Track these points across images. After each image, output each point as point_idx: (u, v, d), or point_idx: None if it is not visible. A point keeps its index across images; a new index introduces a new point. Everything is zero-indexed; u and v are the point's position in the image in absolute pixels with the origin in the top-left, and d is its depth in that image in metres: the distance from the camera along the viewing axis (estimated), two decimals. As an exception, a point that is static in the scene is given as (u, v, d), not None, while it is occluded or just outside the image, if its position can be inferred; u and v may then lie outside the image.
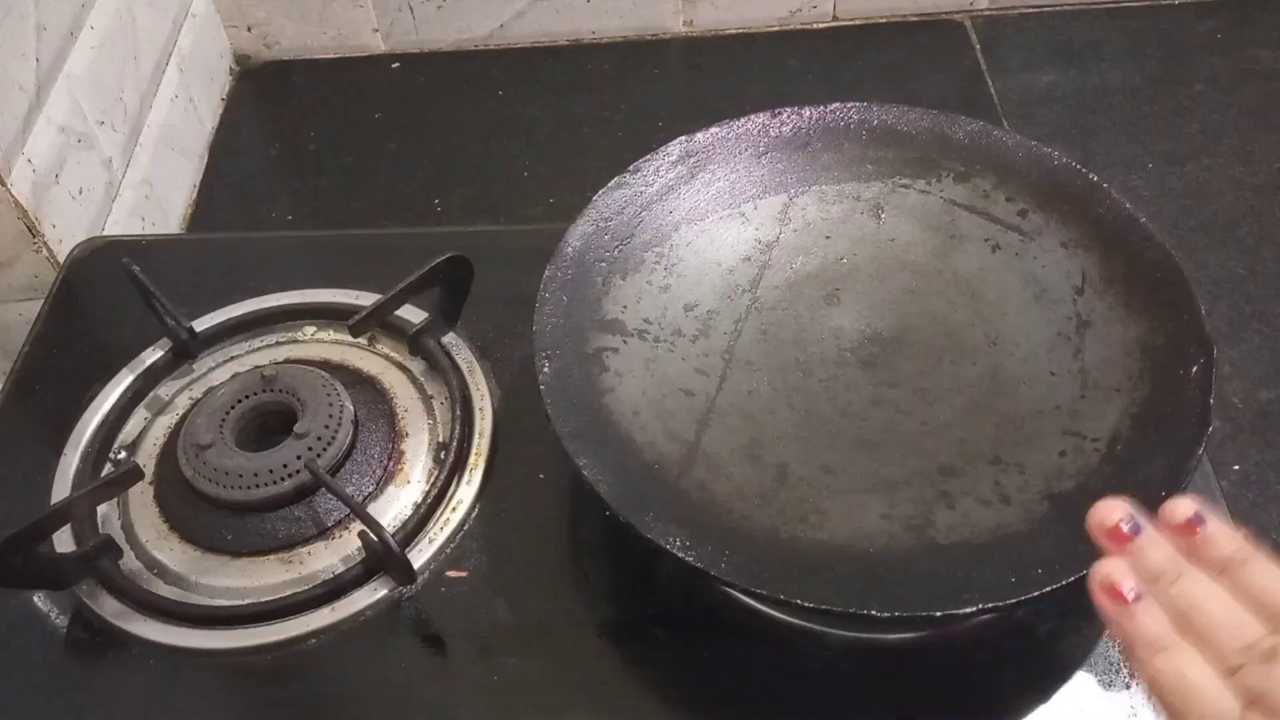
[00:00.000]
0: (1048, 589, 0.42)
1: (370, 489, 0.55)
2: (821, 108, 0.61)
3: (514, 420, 0.58)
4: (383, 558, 0.51)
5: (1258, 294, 0.82)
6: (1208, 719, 0.30)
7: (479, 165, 0.95)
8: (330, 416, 0.55)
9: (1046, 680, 0.48)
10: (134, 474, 0.53)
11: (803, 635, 0.49)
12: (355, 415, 0.56)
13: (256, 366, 0.59)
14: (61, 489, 0.56)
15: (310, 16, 1.03)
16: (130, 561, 0.53)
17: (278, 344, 0.63)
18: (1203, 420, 0.47)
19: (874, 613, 0.42)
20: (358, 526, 0.52)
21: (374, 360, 0.61)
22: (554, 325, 0.53)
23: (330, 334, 0.63)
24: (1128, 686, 0.47)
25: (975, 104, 0.96)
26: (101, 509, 0.55)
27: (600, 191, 0.58)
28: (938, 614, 0.44)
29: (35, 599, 0.52)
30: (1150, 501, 0.44)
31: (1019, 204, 0.58)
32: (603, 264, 0.57)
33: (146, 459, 0.57)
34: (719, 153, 0.61)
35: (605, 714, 0.48)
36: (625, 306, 0.56)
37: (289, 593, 0.51)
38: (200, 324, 0.62)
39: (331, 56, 1.06)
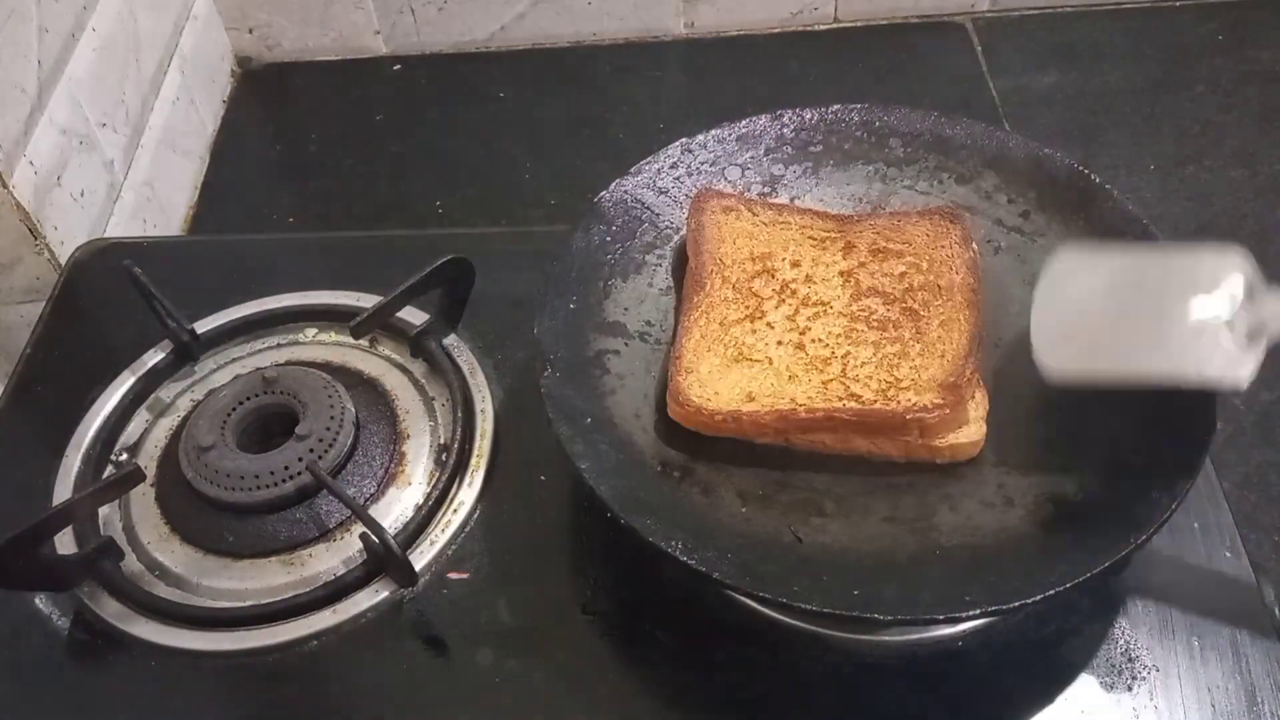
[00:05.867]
0: (1051, 591, 0.42)
1: (371, 491, 0.55)
2: (823, 109, 0.61)
3: (515, 422, 0.58)
4: (384, 559, 0.51)
5: (1259, 296, 0.82)
6: None
7: (480, 167, 0.95)
8: (331, 418, 0.55)
9: (1049, 682, 0.48)
10: (135, 476, 0.53)
11: (805, 638, 0.49)
12: (356, 417, 0.56)
13: (258, 368, 0.59)
14: (63, 491, 0.56)
15: (312, 19, 1.03)
16: (132, 563, 0.53)
17: (279, 346, 0.63)
18: (1206, 422, 0.47)
19: (876, 616, 0.42)
20: (359, 528, 0.52)
21: (375, 362, 0.61)
22: (555, 327, 0.53)
23: (331, 336, 0.63)
24: (1130, 689, 0.47)
25: (976, 105, 0.96)
26: (103, 511, 0.55)
27: (601, 193, 0.58)
28: (940, 617, 0.44)
29: (37, 601, 0.52)
30: (1154, 504, 0.45)
31: (1021, 205, 0.58)
32: (604, 266, 0.57)
33: (148, 461, 0.57)
34: (721, 154, 0.61)
35: (607, 716, 0.48)
36: (626, 309, 0.56)
37: (290, 594, 0.51)
38: (201, 326, 0.62)
39: (333, 58, 1.06)
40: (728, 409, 0.50)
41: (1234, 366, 0.44)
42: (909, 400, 0.49)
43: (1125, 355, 0.46)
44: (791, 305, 0.54)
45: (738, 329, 0.53)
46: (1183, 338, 0.45)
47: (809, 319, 0.53)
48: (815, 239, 0.57)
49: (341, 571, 0.52)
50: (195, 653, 0.50)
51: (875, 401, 0.49)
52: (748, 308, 0.54)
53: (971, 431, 0.49)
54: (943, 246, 0.55)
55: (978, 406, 0.50)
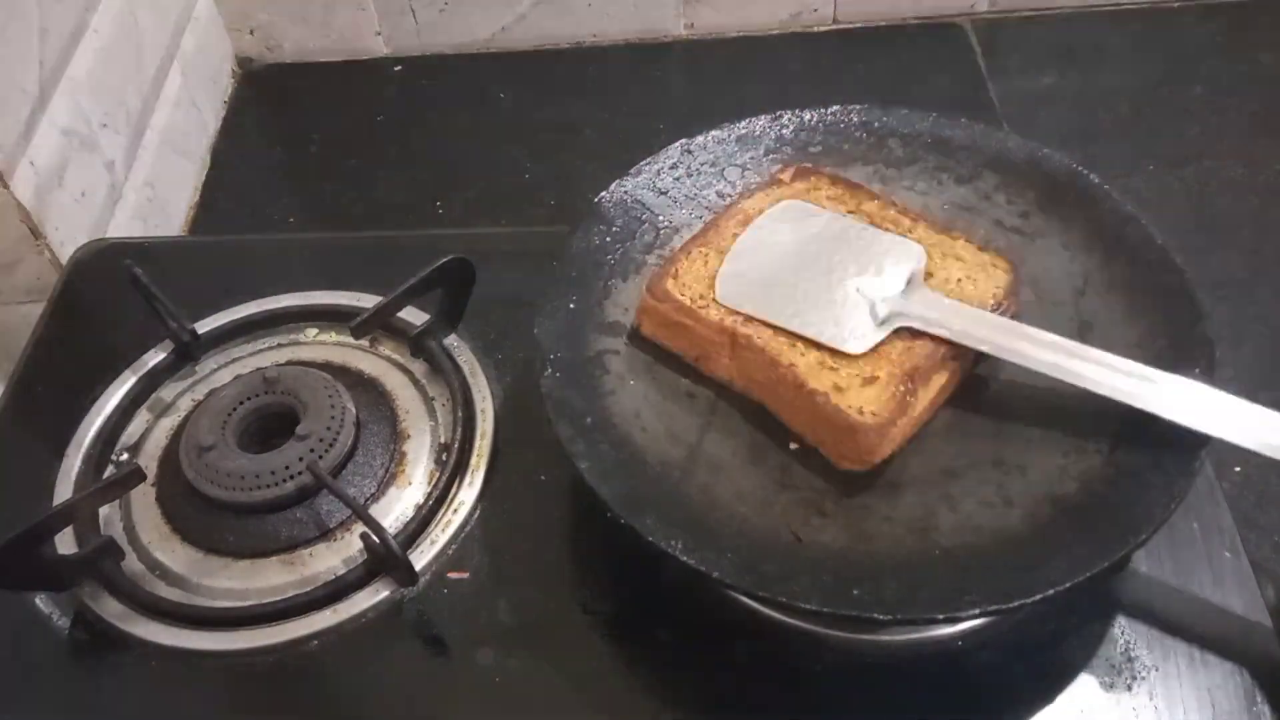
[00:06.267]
0: (1051, 591, 0.42)
1: (372, 490, 0.55)
2: (823, 109, 0.62)
3: (515, 422, 0.58)
4: (384, 559, 0.51)
5: (1259, 296, 0.82)
6: None
7: (481, 168, 0.95)
8: (332, 418, 0.55)
9: (1049, 682, 0.48)
10: (136, 476, 0.53)
11: (805, 638, 0.49)
12: (357, 417, 0.56)
13: (258, 368, 0.59)
14: (64, 491, 0.56)
15: (312, 19, 1.03)
16: (132, 563, 0.53)
17: (280, 346, 0.63)
18: (1205, 422, 0.47)
19: (876, 615, 0.42)
20: (359, 528, 0.52)
21: (376, 362, 0.61)
22: (555, 327, 0.53)
23: (332, 336, 0.63)
24: (1129, 688, 0.47)
25: (976, 106, 0.96)
26: (103, 511, 0.55)
27: (601, 193, 0.58)
28: (940, 617, 0.44)
29: (37, 601, 0.52)
30: (1154, 504, 0.45)
31: (1020, 206, 0.58)
32: (604, 266, 0.57)
33: (148, 461, 0.57)
34: (720, 155, 0.61)
35: (607, 716, 0.48)
36: (627, 309, 0.56)
37: (291, 594, 0.51)
38: (202, 326, 0.62)
39: (334, 59, 1.06)
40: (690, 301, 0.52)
41: (854, 339, 0.51)
42: (847, 403, 0.48)
43: (782, 308, 0.52)
44: None
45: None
46: (829, 305, 0.52)
47: None
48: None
49: (342, 571, 0.52)
50: (196, 652, 0.50)
51: (821, 389, 0.49)
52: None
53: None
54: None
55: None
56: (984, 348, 0.50)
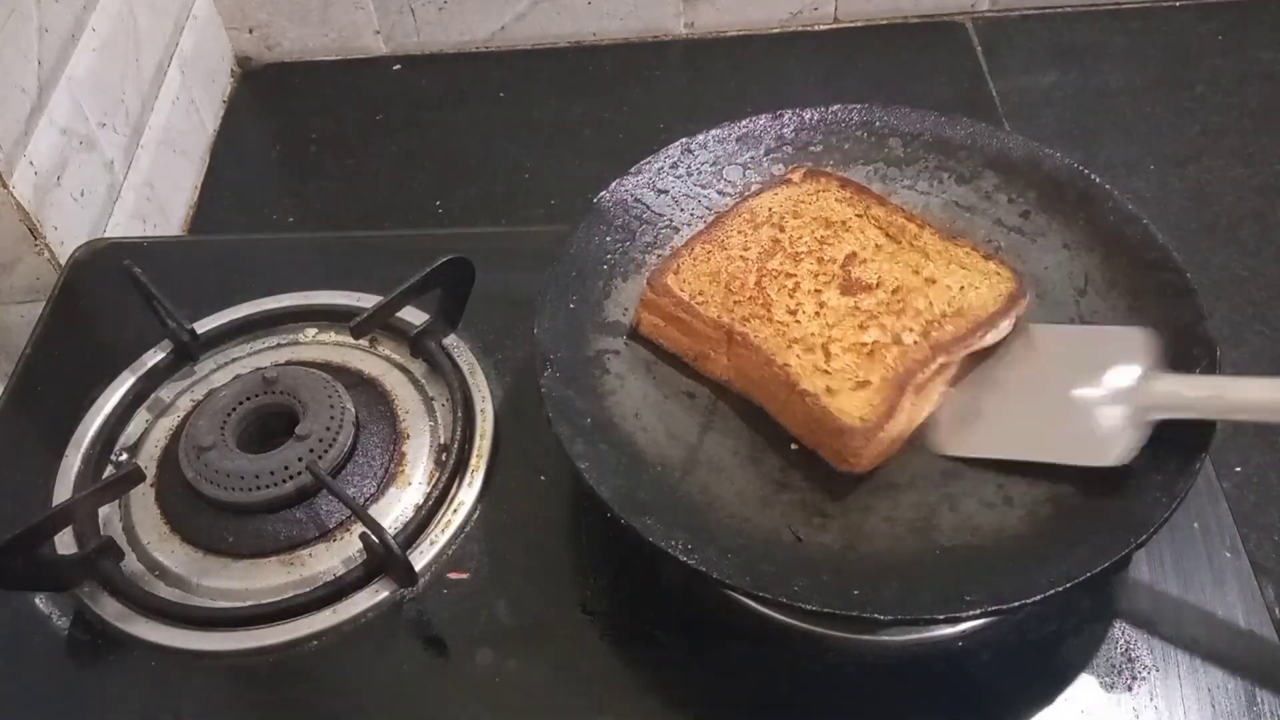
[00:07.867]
0: (1051, 591, 0.42)
1: (371, 491, 0.55)
2: (823, 109, 0.61)
3: (515, 422, 0.58)
4: (384, 559, 0.51)
5: (1259, 295, 0.82)
6: None
7: (480, 167, 0.95)
8: (331, 418, 0.55)
9: (1049, 682, 0.48)
10: (135, 476, 0.53)
11: (805, 638, 0.49)
12: (356, 417, 0.56)
13: (258, 368, 0.59)
14: (63, 491, 0.56)
15: (311, 18, 1.03)
16: (131, 563, 0.53)
17: (279, 346, 0.63)
18: (1207, 422, 0.47)
19: (876, 615, 0.42)
20: (359, 528, 0.52)
21: (375, 362, 0.61)
22: (555, 327, 0.53)
23: (331, 336, 0.63)
24: (1130, 689, 0.47)
25: (976, 105, 0.96)
26: (103, 511, 0.55)
27: (601, 193, 0.58)
28: (940, 617, 0.44)
29: (37, 601, 0.52)
30: (1154, 504, 0.45)
31: (1021, 205, 0.58)
32: (604, 266, 0.57)
33: (148, 461, 0.57)
34: (720, 154, 0.61)
35: (607, 716, 0.48)
36: (627, 309, 0.56)
37: (290, 594, 0.51)
38: (201, 326, 0.62)
39: (333, 58, 1.06)
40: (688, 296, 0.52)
41: (1116, 448, 0.46)
42: (837, 406, 0.48)
43: (1018, 443, 0.49)
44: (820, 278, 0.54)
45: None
46: (1071, 426, 0.48)
47: (824, 294, 0.53)
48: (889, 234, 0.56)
49: (341, 571, 0.52)
50: (195, 653, 0.50)
51: (814, 392, 0.49)
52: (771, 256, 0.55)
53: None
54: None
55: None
56: (1267, 418, 0.49)
